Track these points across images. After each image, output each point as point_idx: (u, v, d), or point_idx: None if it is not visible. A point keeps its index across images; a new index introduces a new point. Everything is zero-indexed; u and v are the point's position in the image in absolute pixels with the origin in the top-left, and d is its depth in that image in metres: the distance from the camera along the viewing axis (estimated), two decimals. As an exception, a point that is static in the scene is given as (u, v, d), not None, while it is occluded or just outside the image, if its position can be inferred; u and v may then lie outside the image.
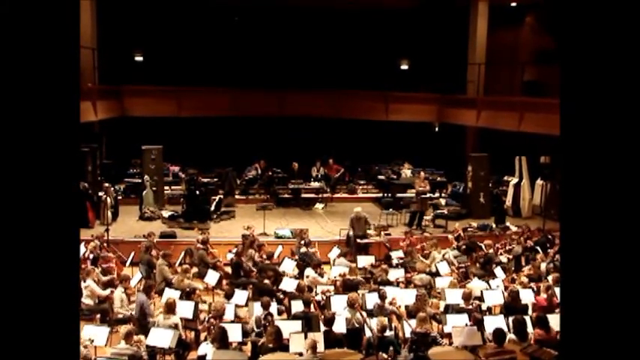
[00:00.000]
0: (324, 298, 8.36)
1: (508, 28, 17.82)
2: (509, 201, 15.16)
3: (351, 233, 11.86)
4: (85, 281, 8.38)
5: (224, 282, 9.68)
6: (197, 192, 13.62)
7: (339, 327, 7.07)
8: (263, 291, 8.66)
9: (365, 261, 10.41)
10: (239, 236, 11.24)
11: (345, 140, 17.60)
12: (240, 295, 8.21)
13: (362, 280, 9.34)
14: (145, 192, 14.02)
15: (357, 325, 7.28)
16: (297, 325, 6.98)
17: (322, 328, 7.06)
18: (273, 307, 7.64)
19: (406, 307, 8.13)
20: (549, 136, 11.56)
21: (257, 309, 7.56)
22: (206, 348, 6.40)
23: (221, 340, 6.14)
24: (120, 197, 14.58)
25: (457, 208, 14.83)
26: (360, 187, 17.45)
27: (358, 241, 11.65)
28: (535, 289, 8.73)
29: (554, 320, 6.93)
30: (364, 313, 7.44)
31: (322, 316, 7.41)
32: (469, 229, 12.51)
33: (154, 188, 14.18)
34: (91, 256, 9.86)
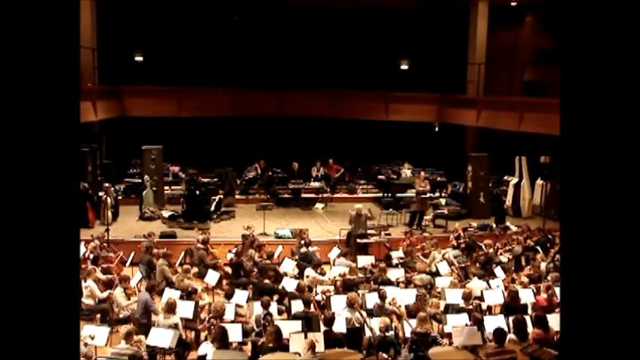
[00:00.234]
0: (324, 298, 8.36)
1: (508, 28, 17.82)
2: (509, 201, 15.16)
3: (351, 231, 11.84)
4: (85, 281, 8.38)
5: (224, 282, 9.69)
6: (197, 192, 13.62)
7: (339, 327, 7.06)
8: (263, 291, 8.66)
9: (365, 261, 10.41)
10: (239, 236, 11.25)
11: (345, 140, 17.60)
12: (241, 295, 8.22)
13: (362, 279, 9.33)
14: (145, 192, 14.02)
15: (357, 325, 7.28)
16: (297, 325, 6.98)
17: (322, 328, 7.06)
18: (273, 307, 7.64)
19: (406, 306, 8.13)
20: (549, 136, 11.56)
21: (257, 309, 7.56)
22: (206, 347, 6.40)
23: (221, 340, 6.15)
24: (120, 197, 14.58)
25: (457, 208, 14.83)
26: (360, 187, 17.45)
27: (358, 240, 11.65)
28: (535, 289, 8.73)
29: (554, 320, 6.93)
30: (364, 313, 7.44)
31: (322, 316, 7.41)
32: (469, 229, 12.51)
33: (154, 188, 14.18)
34: (92, 256, 9.87)
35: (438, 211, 14.40)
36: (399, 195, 15.57)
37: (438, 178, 16.43)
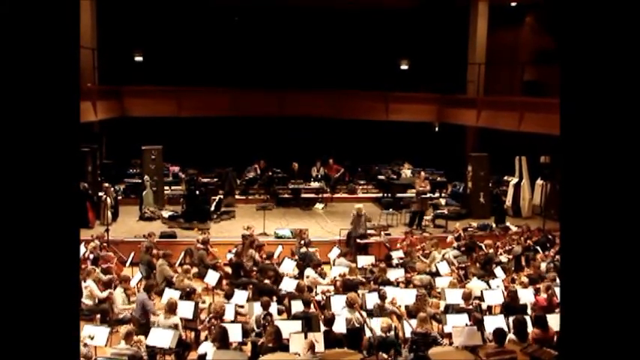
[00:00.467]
0: (324, 298, 8.36)
1: (508, 28, 17.82)
2: (509, 201, 15.17)
3: (351, 231, 11.84)
4: (85, 281, 8.38)
5: (224, 282, 9.69)
6: (197, 192, 13.62)
7: (339, 327, 7.06)
8: (263, 291, 8.66)
9: (365, 261, 10.41)
10: (239, 236, 11.24)
11: (345, 140, 17.60)
12: (240, 295, 8.21)
13: (362, 280, 9.33)
14: (144, 192, 14.02)
15: (357, 325, 7.28)
16: (297, 325, 6.98)
17: (322, 328, 7.06)
18: (273, 307, 7.64)
19: (406, 307, 8.13)
20: (549, 136, 11.56)
21: (257, 309, 7.56)
22: (207, 347, 6.40)
23: (221, 340, 6.15)
24: (120, 197, 14.58)
25: (457, 208, 14.83)
26: (360, 187, 17.46)
27: (358, 241, 11.65)
28: (535, 289, 8.73)
29: (554, 320, 6.93)
30: (364, 313, 7.45)
31: (322, 316, 7.41)
32: (469, 229, 12.51)
33: (154, 188, 14.18)
34: (91, 256, 9.87)
35: (438, 211, 14.41)
36: (399, 195, 15.58)
37: (438, 178, 16.43)
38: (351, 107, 17.17)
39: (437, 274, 9.73)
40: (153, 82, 16.27)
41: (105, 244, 10.76)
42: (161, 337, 6.68)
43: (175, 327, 6.98)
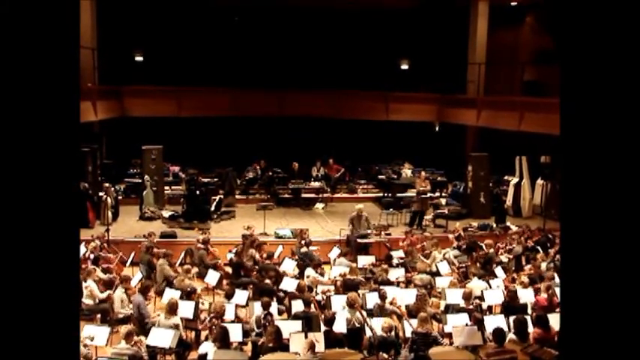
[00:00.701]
0: (325, 297, 8.36)
1: (508, 28, 17.82)
2: (509, 201, 15.16)
3: (350, 232, 11.82)
4: (85, 281, 8.38)
5: (224, 282, 9.69)
6: (197, 192, 13.62)
7: (340, 327, 7.06)
8: (264, 291, 8.66)
9: (365, 261, 10.41)
10: (239, 236, 11.25)
11: (345, 140, 17.60)
12: (241, 295, 8.22)
13: (362, 280, 9.34)
14: (145, 192, 14.02)
15: (357, 325, 7.28)
16: (298, 325, 6.98)
17: (322, 328, 7.06)
18: (274, 307, 7.64)
19: (406, 306, 8.13)
20: (549, 136, 11.56)
21: (257, 309, 7.56)
22: (207, 346, 6.40)
23: (222, 340, 6.15)
24: (120, 197, 14.58)
25: (457, 208, 14.83)
26: (361, 187, 17.46)
27: (358, 240, 11.65)
28: (535, 289, 8.73)
29: (556, 320, 6.93)
30: (364, 313, 7.45)
31: (322, 316, 7.41)
32: (469, 229, 12.52)
33: (154, 188, 14.18)
34: (92, 256, 9.87)
35: (439, 211, 14.41)
36: (399, 195, 15.57)
37: (439, 178, 16.44)
38: (351, 107, 17.17)
39: (437, 273, 9.73)
40: (153, 82, 16.27)
41: (105, 244, 10.76)
42: (161, 337, 6.68)
43: (176, 327, 6.98)
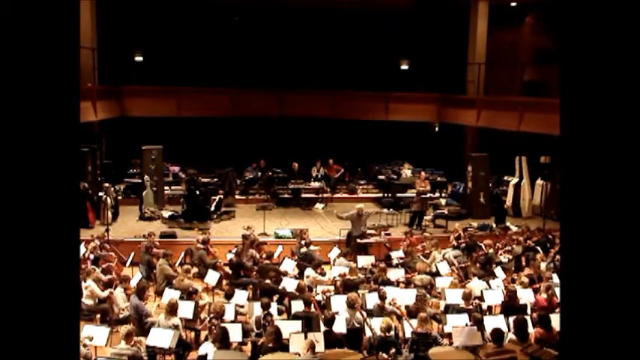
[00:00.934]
0: (325, 298, 8.35)
1: (508, 28, 17.82)
2: (509, 201, 15.16)
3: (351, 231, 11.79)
4: (85, 281, 8.38)
5: (224, 282, 9.69)
6: (197, 192, 13.61)
7: (340, 327, 7.06)
8: (265, 291, 8.66)
9: (365, 261, 10.41)
10: (239, 236, 11.24)
11: (345, 140, 17.61)
12: (241, 295, 8.21)
13: (362, 280, 9.33)
14: (144, 192, 14.02)
15: (357, 325, 7.28)
16: (297, 325, 6.98)
17: (322, 328, 7.05)
18: (273, 307, 7.64)
19: (406, 307, 8.13)
20: (549, 136, 11.56)
21: (257, 309, 7.56)
22: (207, 347, 6.40)
23: (222, 341, 6.15)
24: (120, 197, 14.59)
25: (457, 208, 14.83)
26: (360, 187, 17.46)
27: (358, 240, 11.64)
28: (534, 289, 8.73)
29: (557, 320, 6.93)
30: (364, 313, 7.44)
31: (322, 316, 7.40)
32: (469, 229, 12.51)
33: (154, 188, 14.18)
34: (92, 256, 9.86)
35: (438, 211, 14.41)
36: (399, 195, 15.58)
37: (438, 178, 16.43)
38: (351, 107, 17.16)
39: (437, 274, 9.72)
40: (153, 82, 16.27)
41: (105, 244, 10.76)
42: (161, 338, 6.67)
43: (176, 327, 6.97)
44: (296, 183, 15.79)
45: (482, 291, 8.56)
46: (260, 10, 17.21)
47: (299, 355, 6.19)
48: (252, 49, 17.31)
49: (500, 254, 11.13)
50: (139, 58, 17.07)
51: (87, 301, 8.28)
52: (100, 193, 13.23)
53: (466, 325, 7.06)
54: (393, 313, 7.83)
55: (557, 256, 10.32)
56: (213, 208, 13.91)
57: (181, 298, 7.96)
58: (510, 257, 11.01)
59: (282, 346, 6.39)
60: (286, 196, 15.83)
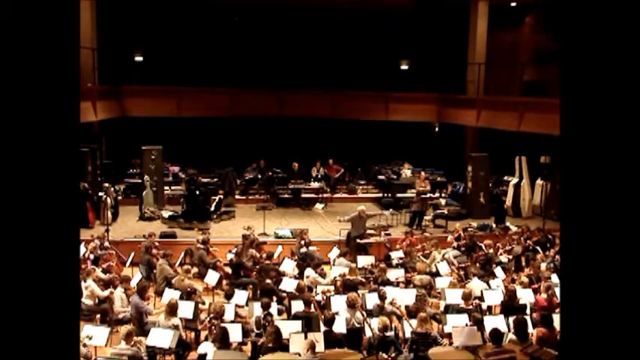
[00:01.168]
0: (325, 298, 8.35)
1: (508, 28, 17.82)
2: (509, 201, 15.16)
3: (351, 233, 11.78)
4: (85, 281, 8.37)
5: (224, 282, 9.68)
6: (197, 192, 13.62)
7: (339, 327, 7.06)
8: (265, 291, 8.66)
9: (365, 261, 10.41)
10: (239, 236, 11.24)
11: (344, 140, 17.61)
12: (241, 296, 8.21)
13: (362, 280, 9.33)
14: (144, 192, 14.02)
15: (357, 325, 7.28)
16: (297, 325, 6.97)
17: (322, 328, 7.05)
18: (273, 308, 7.64)
19: (406, 307, 8.13)
20: (549, 136, 11.55)
21: (257, 309, 7.56)
22: (207, 347, 6.39)
23: (222, 341, 6.14)
24: (120, 197, 14.58)
25: (457, 208, 14.83)
26: (360, 187, 17.46)
27: (358, 241, 11.64)
28: (534, 289, 8.73)
29: (556, 320, 6.93)
30: (364, 313, 7.44)
31: (322, 316, 7.40)
32: (469, 229, 12.51)
33: (154, 188, 14.18)
34: (92, 256, 9.86)
35: (438, 211, 14.41)
36: (399, 195, 15.58)
37: (438, 178, 16.43)
38: (351, 107, 17.16)
39: (437, 274, 9.72)
40: (153, 82, 16.27)
41: (105, 244, 10.76)
42: (161, 338, 6.67)
43: (175, 327, 6.97)
44: (296, 183, 15.79)
45: (482, 291, 8.56)
46: (260, 10, 17.20)
47: (299, 355, 6.19)
48: (252, 49, 17.30)
49: (500, 254, 11.13)
50: (138, 58, 17.07)
51: (87, 301, 8.27)
52: (100, 193, 13.24)
53: (466, 325, 7.06)
54: (393, 314, 7.83)
55: (557, 256, 10.32)
56: (213, 208, 13.91)
57: (181, 298, 7.95)
58: (510, 257, 11.01)
59: (282, 346, 6.38)
60: (286, 196, 15.82)
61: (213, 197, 14.33)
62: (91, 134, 14.73)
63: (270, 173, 16.15)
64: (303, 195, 15.83)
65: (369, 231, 12.07)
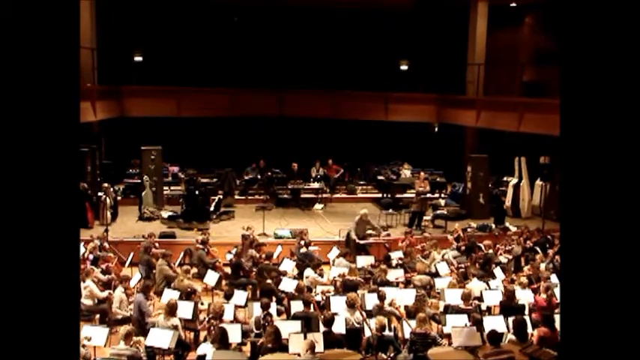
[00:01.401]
0: (324, 298, 8.35)
1: (508, 28, 17.83)
2: (508, 201, 15.16)
3: (352, 235, 11.74)
4: (84, 282, 8.37)
5: (223, 282, 9.68)
6: (196, 192, 13.61)
7: (339, 327, 7.06)
8: (265, 291, 8.65)
9: (364, 261, 10.40)
10: (238, 237, 11.23)
11: (344, 141, 17.60)
12: (240, 296, 8.21)
13: (361, 280, 9.33)
14: (144, 192, 14.02)
15: (356, 325, 7.28)
16: (297, 325, 6.97)
17: (322, 328, 7.05)
18: (273, 308, 7.64)
19: (405, 307, 8.13)
20: (549, 137, 11.55)
21: (256, 309, 7.55)
22: (206, 348, 6.39)
23: (221, 341, 6.14)
24: (119, 198, 14.57)
25: (457, 209, 14.83)
26: (360, 187, 17.46)
27: (357, 241, 11.63)
28: (533, 289, 8.74)
29: (557, 320, 6.93)
30: (364, 313, 7.44)
31: (322, 317, 7.40)
32: (469, 230, 12.51)
33: (154, 189, 14.17)
34: (91, 256, 9.85)
35: (438, 211, 14.41)
36: (398, 195, 15.57)
37: (438, 179, 16.43)
38: (351, 107, 17.15)
39: (436, 274, 9.72)
40: (152, 82, 16.25)
41: (105, 245, 10.75)
42: (160, 338, 6.67)
43: (175, 328, 6.97)
44: (295, 183, 15.78)
45: (481, 291, 8.57)
46: (260, 10, 17.19)
47: (298, 355, 6.19)
48: (252, 49, 17.29)
49: (500, 255, 11.13)
50: (138, 58, 17.06)
51: (86, 302, 8.27)
52: (100, 194, 13.23)
53: (465, 325, 7.06)
54: (392, 314, 7.83)
55: (557, 257, 10.32)
56: (212, 209, 13.90)
57: (180, 298, 7.95)
58: (510, 258, 11.01)
59: (281, 346, 6.38)
60: (286, 196, 15.82)
61: (212, 197, 14.33)
62: (90, 134, 14.72)
63: (270, 173, 16.14)
64: (303, 195, 15.83)
65: (368, 231, 12.06)
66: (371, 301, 7.98)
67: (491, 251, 10.92)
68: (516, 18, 17.79)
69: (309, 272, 9.56)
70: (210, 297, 9.15)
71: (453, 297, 8.12)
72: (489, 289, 8.80)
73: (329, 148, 17.35)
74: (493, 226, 13.58)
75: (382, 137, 17.75)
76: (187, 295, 8.17)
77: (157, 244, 10.64)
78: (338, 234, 12.37)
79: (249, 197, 16.00)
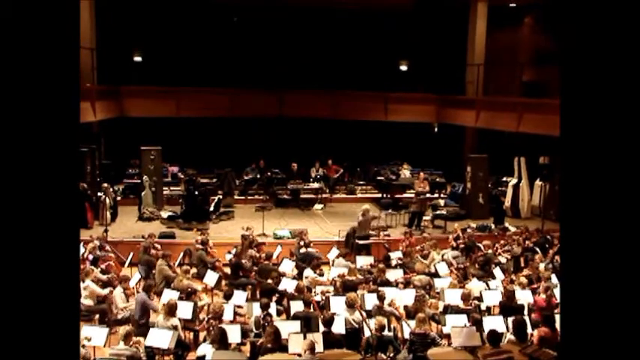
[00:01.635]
0: (324, 298, 8.35)
1: (507, 28, 17.83)
2: (508, 202, 15.17)
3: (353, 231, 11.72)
4: (83, 282, 8.36)
5: (223, 282, 9.67)
6: (196, 192, 13.61)
7: (338, 327, 7.06)
8: (266, 291, 8.65)
9: (364, 261, 10.40)
10: (238, 237, 11.23)
11: (344, 141, 17.61)
12: (240, 296, 8.21)
13: (361, 280, 9.33)
14: (143, 192, 14.01)
15: (355, 326, 7.28)
16: (297, 325, 6.97)
17: (321, 328, 7.05)
18: (272, 308, 7.64)
19: (405, 307, 8.13)
20: (548, 137, 11.56)
21: (256, 309, 7.55)
22: (205, 348, 6.39)
23: (221, 341, 6.14)
24: (119, 198, 14.57)
25: (456, 209, 14.83)
26: (359, 187, 17.46)
27: (358, 241, 11.63)
28: (532, 290, 8.74)
29: (557, 320, 6.93)
30: (364, 313, 7.44)
31: (322, 317, 7.40)
32: (468, 230, 12.52)
33: (153, 189, 14.17)
34: (91, 256, 9.85)
35: (437, 211, 14.41)
36: (398, 196, 15.57)
37: (437, 179, 16.44)
38: (351, 108, 17.15)
39: (436, 274, 9.72)
40: (152, 83, 16.25)
41: (104, 245, 10.75)
42: (160, 338, 6.66)
43: (174, 328, 6.97)
44: (295, 183, 15.78)
45: (481, 291, 8.57)
46: (259, 10, 17.19)
47: (298, 355, 6.18)
48: (252, 49, 17.29)
49: (499, 255, 11.13)
50: (137, 59, 17.06)
51: (85, 302, 8.26)
52: (99, 194, 13.23)
53: (465, 325, 7.06)
54: (392, 314, 7.83)
55: (556, 257, 10.32)
56: (212, 209, 13.90)
57: (180, 298, 7.95)
58: (509, 258, 11.01)
59: (281, 346, 6.38)
60: (285, 196, 15.82)
61: (212, 197, 14.33)
62: (90, 134, 14.72)
63: (270, 173, 16.14)
64: (302, 195, 15.83)
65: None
66: (370, 301, 7.98)
67: (490, 251, 10.92)
68: (516, 18, 17.79)
69: (308, 272, 9.56)
70: (210, 297, 9.15)
71: (453, 297, 8.12)
72: (489, 289, 8.80)
73: (328, 148, 17.35)
74: (493, 226, 13.59)
75: (382, 137, 17.76)
76: (188, 295, 8.17)
77: (156, 245, 10.63)
78: (337, 234, 12.37)
79: (249, 197, 16.00)
